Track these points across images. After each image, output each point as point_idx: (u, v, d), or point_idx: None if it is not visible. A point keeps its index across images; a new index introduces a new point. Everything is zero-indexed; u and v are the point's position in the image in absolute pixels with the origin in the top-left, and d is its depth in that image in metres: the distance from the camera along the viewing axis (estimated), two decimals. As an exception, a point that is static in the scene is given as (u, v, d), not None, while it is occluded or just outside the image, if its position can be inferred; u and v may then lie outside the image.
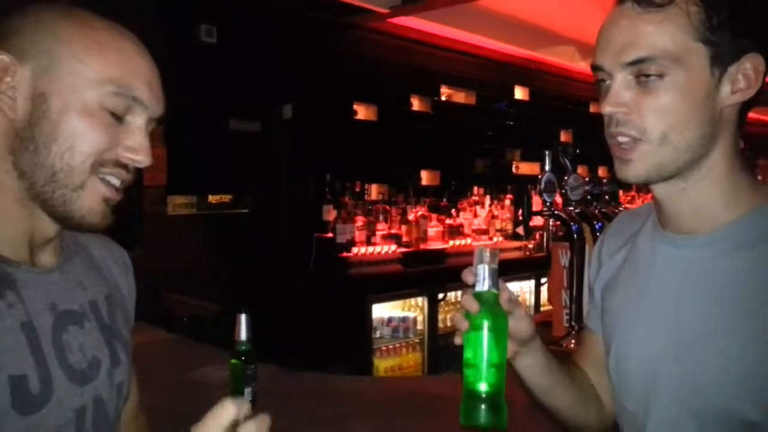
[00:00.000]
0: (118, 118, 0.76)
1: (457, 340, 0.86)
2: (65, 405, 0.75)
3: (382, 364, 4.00)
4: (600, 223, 2.12)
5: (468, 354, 0.84)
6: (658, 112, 0.80)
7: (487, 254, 0.86)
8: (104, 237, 0.93)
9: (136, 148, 0.78)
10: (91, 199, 0.76)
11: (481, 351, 0.83)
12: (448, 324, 4.30)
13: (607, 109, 0.83)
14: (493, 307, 0.84)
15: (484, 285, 0.85)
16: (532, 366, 0.94)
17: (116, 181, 0.78)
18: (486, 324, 0.83)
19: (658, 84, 0.80)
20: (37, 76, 0.74)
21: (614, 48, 0.82)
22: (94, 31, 0.77)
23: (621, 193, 4.33)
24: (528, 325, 0.90)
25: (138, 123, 0.78)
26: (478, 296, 0.85)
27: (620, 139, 0.83)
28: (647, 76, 0.80)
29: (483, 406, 0.82)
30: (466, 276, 0.87)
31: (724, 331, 0.79)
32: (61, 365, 0.75)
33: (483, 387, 0.82)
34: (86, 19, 0.78)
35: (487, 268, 0.85)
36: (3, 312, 0.70)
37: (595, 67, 0.85)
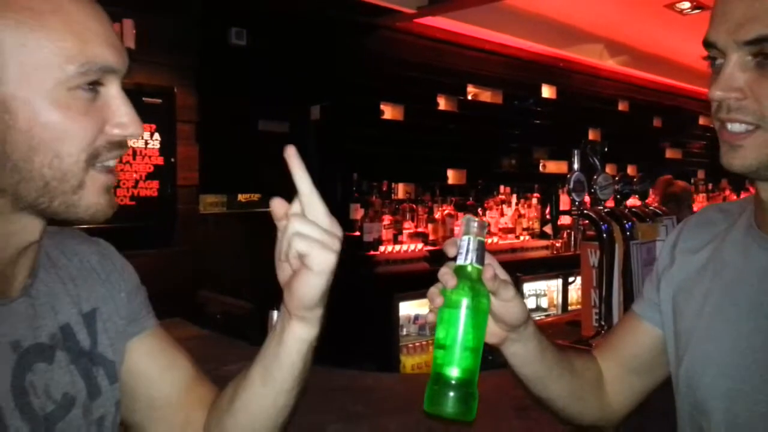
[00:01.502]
0: (92, 92, 0.65)
1: (430, 317, 0.77)
2: None
3: (409, 362, 4.02)
4: (630, 223, 2.11)
5: (440, 334, 0.74)
6: None
7: (475, 225, 0.75)
8: (95, 239, 0.84)
9: (124, 122, 0.67)
10: (95, 194, 0.67)
11: (456, 331, 0.73)
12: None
13: (716, 93, 0.72)
14: (474, 283, 0.74)
15: (466, 258, 0.74)
16: (522, 355, 0.85)
17: (113, 163, 0.69)
18: (463, 302, 0.73)
19: None
20: None
21: (731, 22, 0.70)
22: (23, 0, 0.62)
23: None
24: (518, 308, 0.79)
25: (113, 92, 0.67)
26: (459, 270, 0.75)
27: (731, 126, 0.73)
28: (764, 56, 0.68)
29: (451, 393, 0.73)
30: (448, 247, 0.77)
31: None
32: (22, 414, 0.64)
33: (454, 372, 0.73)
34: None
35: (471, 239, 0.75)
36: None
37: (707, 44, 0.74)
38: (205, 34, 3.61)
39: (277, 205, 0.72)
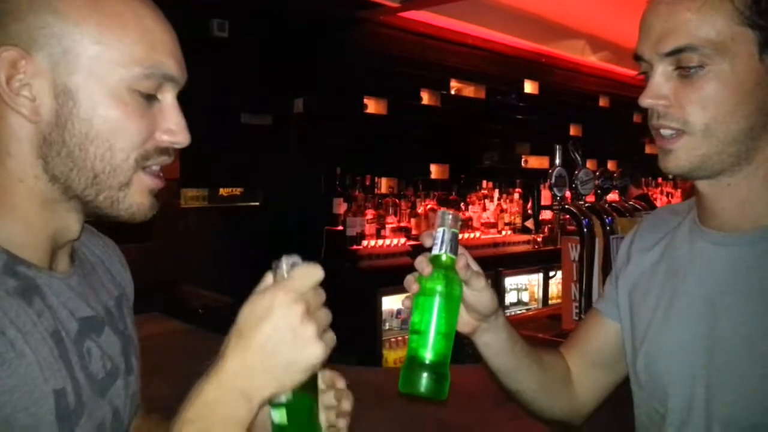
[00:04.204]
0: (149, 97, 0.69)
1: (405, 303, 0.80)
2: (93, 418, 0.68)
3: (392, 356, 4.03)
4: (610, 218, 2.13)
5: (415, 319, 0.79)
6: (701, 104, 0.74)
7: (449, 218, 0.80)
8: (100, 233, 0.87)
9: (174, 129, 0.71)
10: (139, 194, 0.70)
11: (430, 318, 0.77)
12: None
13: (646, 101, 0.78)
14: (447, 272, 0.79)
15: (441, 248, 0.79)
16: (493, 344, 0.88)
17: (158, 168, 0.72)
18: (437, 289, 0.78)
19: (700, 74, 0.74)
20: (53, 66, 0.64)
21: (653, 37, 0.76)
22: (105, 2, 0.66)
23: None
24: (489, 297, 0.84)
25: (169, 100, 0.71)
26: (434, 260, 0.79)
27: (663, 131, 0.78)
28: (688, 67, 0.74)
29: (425, 374, 0.77)
30: (425, 238, 0.82)
31: (765, 331, 0.74)
32: (87, 376, 0.68)
33: (427, 355, 0.77)
34: None
35: (446, 231, 0.79)
36: (34, 321, 0.63)
37: (636, 57, 0.80)
38: (186, 25, 3.56)
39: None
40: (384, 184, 4.58)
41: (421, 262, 0.79)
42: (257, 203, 4.02)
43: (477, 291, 0.83)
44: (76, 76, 0.65)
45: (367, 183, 4.33)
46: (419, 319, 0.78)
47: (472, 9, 4.36)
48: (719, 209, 0.81)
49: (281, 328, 0.62)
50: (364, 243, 3.98)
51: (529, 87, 5.72)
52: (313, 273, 0.65)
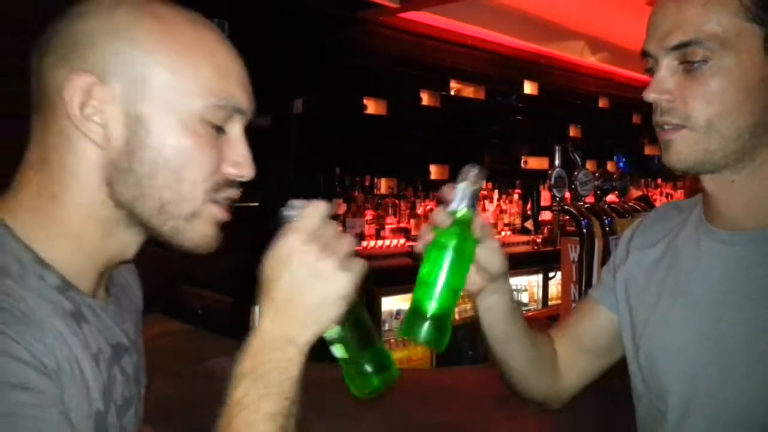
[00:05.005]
0: (218, 129, 0.68)
1: (418, 247, 0.81)
2: None
3: (391, 357, 4.03)
4: (609, 219, 2.13)
5: (425, 269, 0.79)
6: (704, 99, 0.74)
7: (473, 173, 0.80)
8: None
9: (242, 162, 0.70)
10: (206, 225, 0.69)
11: (439, 270, 0.78)
12: (456, 317, 4.31)
13: (650, 96, 0.78)
14: (463, 228, 0.79)
15: (461, 204, 0.79)
16: (496, 309, 0.88)
17: (225, 201, 0.71)
18: (452, 243, 0.78)
19: (704, 69, 0.74)
20: (127, 95, 0.64)
21: (659, 33, 0.77)
22: (179, 32, 0.66)
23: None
24: (499, 258, 0.84)
25: (237, 132, 0.70)
26: (452, 214, 0.80)
27: (665, 127, 0.79)
28: (693, 62, 0.74)
29: (426, 324, 0.78)
30: (446, 191, 0.82)
31: None
32: (113, 402, 0.69)
33: (432, 306, 0.78)
34: (166, 15, 0.66)
35: (468, 186, 0.80)
36: (84, 343, 0.63)
37: (644, 54, 0.80)
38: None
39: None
40: (383, 185, 4.58)
41: (440, 214, 0.80)
42: (256, 204, 4.02)
43: (489, 251, 0.83)
44: (148, 104, 0.64)
45: (367, 183, 4.33)
46: (429, 271, 0.78)
47: (471, 10, 4.36)
48: (724, 207, 0.81)
49: (299, 271, 0.64)
50: (364, 244, 3.98)
51: (529, 88, 5.72)
52: (318, 209, 0.67)
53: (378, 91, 4.52)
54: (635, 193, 4.61)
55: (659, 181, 6.57)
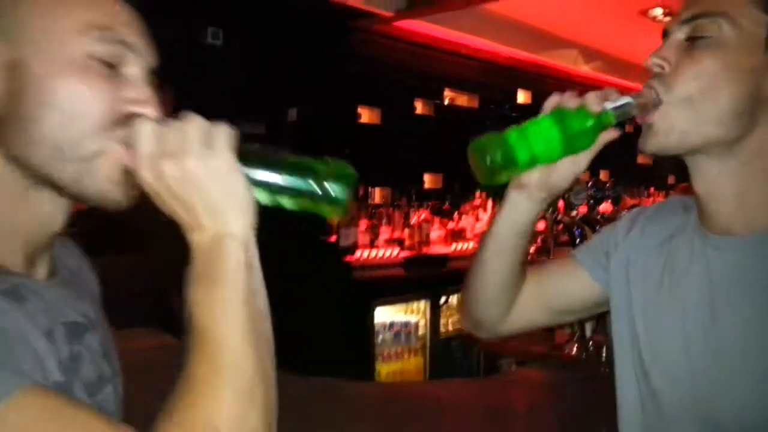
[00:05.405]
0: (112, 67, 0.65)
1: (547, 106, 0.81)
2: None
3: (384, 369, 4.00)
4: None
5: (535, 128, 0.78)
6: (693, 74, 0.75)
7: (641, 100, 0.79)
8: (69, 241, 0.83)
9: (142, 99, 0.66)
10: (110, 169, 0.64)
11: (544, 138, 0.78)
12: (450, 329, 4.30)
13: (648, 60, 0.79)
14: (594, 127, 0.78)
15: (611, 106, 0.78)
16: (520, 212, 0.89)
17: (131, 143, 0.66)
18: (575, 128, 0.78)
19: (703, 44, 0.75)
20: (2, 42, 0.62)
21: (680, 13, 0.79)
22: None
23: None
24: (567, 183, 0.86)
25: (135, 72, 0.66)
26: (601, 112, 0.79)
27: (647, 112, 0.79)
28: (698, 37, 0.75)
29: (500, 153, 0.78)
30: (610, 91, 0.81)
31: (762, 338, 0.74)
32: (80, 379, 0.65)
33: (515, 153, 0.78)
34: None
35: (630, 104, 0.79)
36: (29, 319, 0.60)
37: (664, 33, 0.82)
38: (180, 33, 3.56)
39: None
40: (377, 194, 4.56)
41: (595, 98, 0.79)
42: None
43: (578, 168, 0.84)
44: (28, 49, 0.62)
45: (361, 193, 4.31)
46: (537, 131, 0.78)
47: (466, 19, 4.38)
48: (714, 208, 0.80)
49: (168, 181, 0.61)
50: (358, 254, 3.96)
51: (522, 97, 5.73)
52: (145, 128, 0.61)
53: (372, 99, 4.51)
54: (630, 201, 4.62)
55: (651, 189, 6.59)
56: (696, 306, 0.81)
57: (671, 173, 7.11)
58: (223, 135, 0.62)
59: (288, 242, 4.11)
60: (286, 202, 0.66)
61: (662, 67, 0.78)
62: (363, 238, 4.06)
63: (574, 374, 2.01)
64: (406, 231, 4.32)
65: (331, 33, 4.15)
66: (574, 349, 2.09)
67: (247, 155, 0.63)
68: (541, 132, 0.78)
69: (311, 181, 0.65)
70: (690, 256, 0.84)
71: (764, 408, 0.73)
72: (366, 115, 4.55)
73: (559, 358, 2.13)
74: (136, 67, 0.67)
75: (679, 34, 0.78)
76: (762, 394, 0.73)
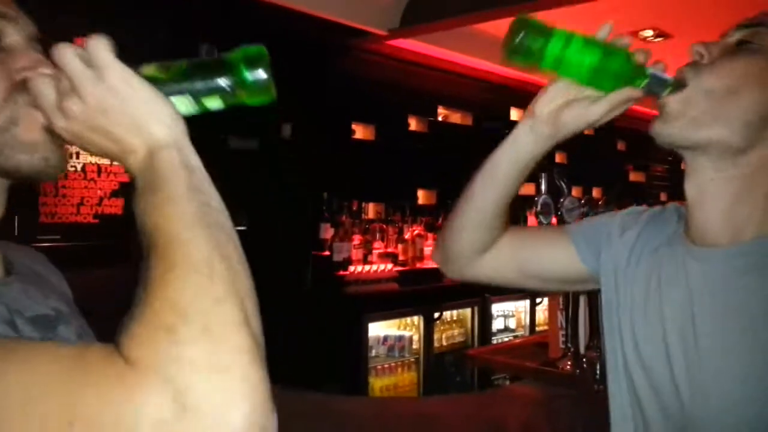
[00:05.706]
0: None
1: (602, 34, 0.80)
2: None
3: (378, 383, 3.98)
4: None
5: (579, 41, 0.78)
6: (725, 70, 0.77)
7: (677, 78, 0.80)
8: (33, 250, 0.84)
9: (31, 64, 0.65)
10: (31, 132, 0.65)
11: (579, 54, 0.77)
12: (444, 343, 4.29)
13: (693, 47, 0.81)
14: (627, 72, 0.78)
15: (657, 70, 0.78)
16: (523, 144, 0.90)
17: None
18: (613, 70, 0.77)
19: (746, 51, 0.78)
20: None
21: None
22: None
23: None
24: (579, 127, 0.86)
25: (17, 40, 0.67)
26: (641, 64, 0.79)
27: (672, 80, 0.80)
28: (745, 42, 0.78)
29: (538, 35, 0.78)
30: (644, 53, 0.80)
31: (741, 350, 0.75)
32: None
33: (548, 47, 0.78)
34: None
35: (671, 81, 0.78)
36: None
37: (722, 36, 0.84)
38: (174, 50, 3.58)
39: None
40: (371, 210, 4.57)
41: (644, 54, 0.78)
42: (243, 227, 3.99)
43: (589, 115, 0.84)
44: None
45: (354, 208, 4.32)
46: (580, 44, 0.77)
47: (459, 37, 4.42)
48: (701, 217, 0.82)
49: (79, 118, 0.59)
50: (351, 268, 3.96)
51: (516, 114, 5.77)
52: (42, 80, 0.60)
53: (366, 116, 4.54)
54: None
55: (645, 206, 6.63)
56: (675, 318, 0.82)
57: (663, 191, 7.18)
58: (101, 49, 0.59)
59: (281, 257, 4.11)
60: (211, 104, 0.66)
61: (701, 56, 0.80)
62: (356, 253, 4.06)
63: (568, 390, 2.01)
64: (400, 246, 4.33)
65: (326, 50, 4.19)
66: (568, 365, 2.09)
67: (151, 72, 0.63)
68: (582, 48, 0.77)
69: (224, 74, 0.65)
70: (675, 269, 0.85)
71: (742, 415, 0.75)
72: (360, 132, 4.58)
73: (553, 374, 2.13)
74: (17, 35, 0.67)
75: (732, 38, 0.80)
76: (739, 403, 0.75)
